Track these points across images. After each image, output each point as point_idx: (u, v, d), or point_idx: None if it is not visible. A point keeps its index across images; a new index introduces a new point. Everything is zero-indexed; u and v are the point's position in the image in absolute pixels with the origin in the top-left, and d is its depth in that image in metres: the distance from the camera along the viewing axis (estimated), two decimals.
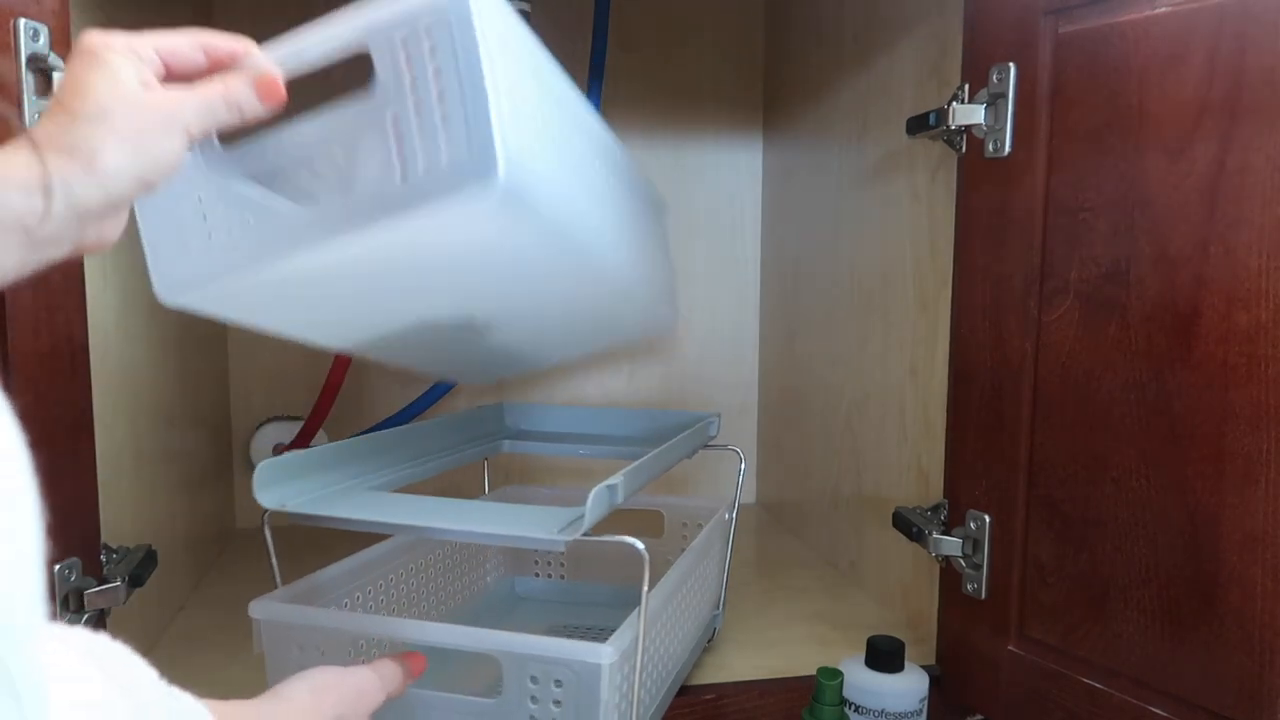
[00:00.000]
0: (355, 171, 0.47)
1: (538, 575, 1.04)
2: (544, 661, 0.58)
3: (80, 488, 0.70)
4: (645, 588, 0.60)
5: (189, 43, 0.44)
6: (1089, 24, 0.69)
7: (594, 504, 0.57)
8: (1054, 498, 0.73)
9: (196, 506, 1.09)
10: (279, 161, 0.49)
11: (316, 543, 1.30)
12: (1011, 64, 0.74)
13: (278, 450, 1.25)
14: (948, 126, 0.79)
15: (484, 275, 0.57)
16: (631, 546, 0.58)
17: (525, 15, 1.15)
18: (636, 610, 0.61)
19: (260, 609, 0.63)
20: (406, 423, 1.28)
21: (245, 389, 1.28)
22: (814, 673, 0.71)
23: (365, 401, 1.31)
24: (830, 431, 1.16)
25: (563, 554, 1.01)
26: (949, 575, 0.84)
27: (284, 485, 0.65)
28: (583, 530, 0.57)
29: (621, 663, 0.59)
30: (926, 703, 0.76)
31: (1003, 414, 0.77)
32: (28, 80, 0.64)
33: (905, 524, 0.87)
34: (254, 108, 0.44)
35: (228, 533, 1.26)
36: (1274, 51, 0.58)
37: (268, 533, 0.65)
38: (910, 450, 0.95)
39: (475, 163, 0.45)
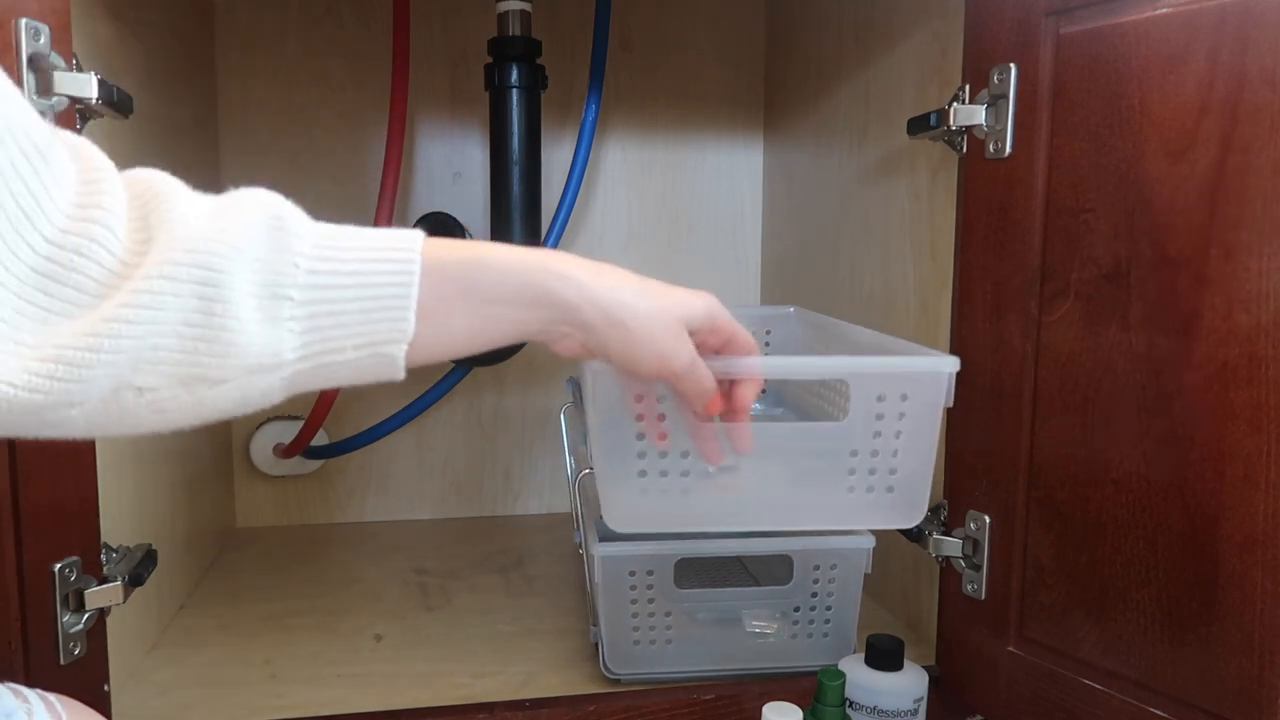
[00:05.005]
0: (801, 469, 0.65)
1: None
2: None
3: (80, 487, 0.70)
4: None
5: (747, 344, 0.59)
6: (1090, 25, 0.69)
7: None
8: (1054, 499, 0.73)
9: (196, 506, 1.09)
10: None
11: (313, 544, 1.29)
12: (1012, 65, 0.74)
13: (278, 450, 1.25)
14: (948, 127, 0.79)
15: None
16: None
17: (525, 15, 1.15)
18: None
19: (598, 549, 0.78)
20: (407, 423, 1.29)
21: None
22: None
23: (365, 401, 1.31)
24: None
25: None
26: (949, 576, 0.84)
27: None
28: None
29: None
30: (924, 703, 0.76)
31: (1003, 415, 0.77)
32: (29, 80, 0.63)
33: None
34: (699, 408, 0.58)
35: (228, 533, 1.26)
36: (1275, 52, 0.58)
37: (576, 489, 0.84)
38: None
39: (905, 510, 0.65)
